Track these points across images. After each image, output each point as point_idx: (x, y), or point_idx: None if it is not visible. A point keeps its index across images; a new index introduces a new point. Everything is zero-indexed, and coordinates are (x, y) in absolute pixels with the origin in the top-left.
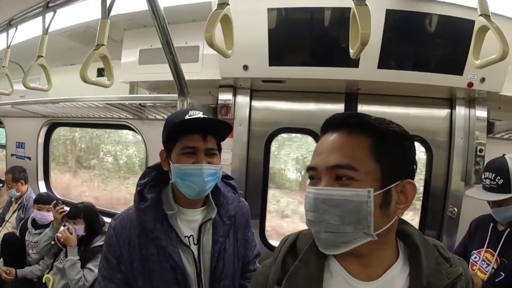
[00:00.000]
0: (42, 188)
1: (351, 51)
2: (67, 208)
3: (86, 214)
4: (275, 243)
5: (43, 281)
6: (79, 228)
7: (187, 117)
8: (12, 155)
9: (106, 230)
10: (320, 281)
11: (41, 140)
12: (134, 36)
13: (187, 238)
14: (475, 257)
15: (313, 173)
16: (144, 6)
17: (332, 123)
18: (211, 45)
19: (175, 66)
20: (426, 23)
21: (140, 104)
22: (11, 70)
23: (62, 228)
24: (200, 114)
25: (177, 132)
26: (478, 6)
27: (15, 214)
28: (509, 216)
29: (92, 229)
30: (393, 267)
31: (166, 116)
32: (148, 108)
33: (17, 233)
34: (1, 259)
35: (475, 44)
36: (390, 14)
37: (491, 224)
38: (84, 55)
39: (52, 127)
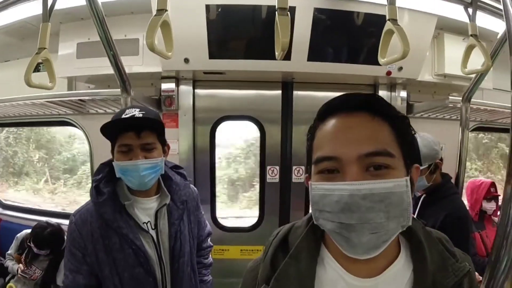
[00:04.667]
0: None
1: (276, 53)
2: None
3: (53, 244)
4: (226, 222)
5: None
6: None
7: (123, 116)
8: None
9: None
10: (312, 278)
11: None
12: (71, 29)
13: (145, 224)
14: None
15: (332, 165)
16: (81, 1)
17: (348, 105)
18: (152, 49)
19: (116, 61)
20: (350, 20)
21: (79, 99)
22: None
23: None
24: (136, 112)
25: (112, 132)
26: (387, 11)
27: None
28: (422, 185)
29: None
30: (395, 263)
31: (107, 110)
32: (88, 103)
33: None
34: None
35: (382, 45)
36: (318, 12)
37: None
38: (20, 51)
39: None
